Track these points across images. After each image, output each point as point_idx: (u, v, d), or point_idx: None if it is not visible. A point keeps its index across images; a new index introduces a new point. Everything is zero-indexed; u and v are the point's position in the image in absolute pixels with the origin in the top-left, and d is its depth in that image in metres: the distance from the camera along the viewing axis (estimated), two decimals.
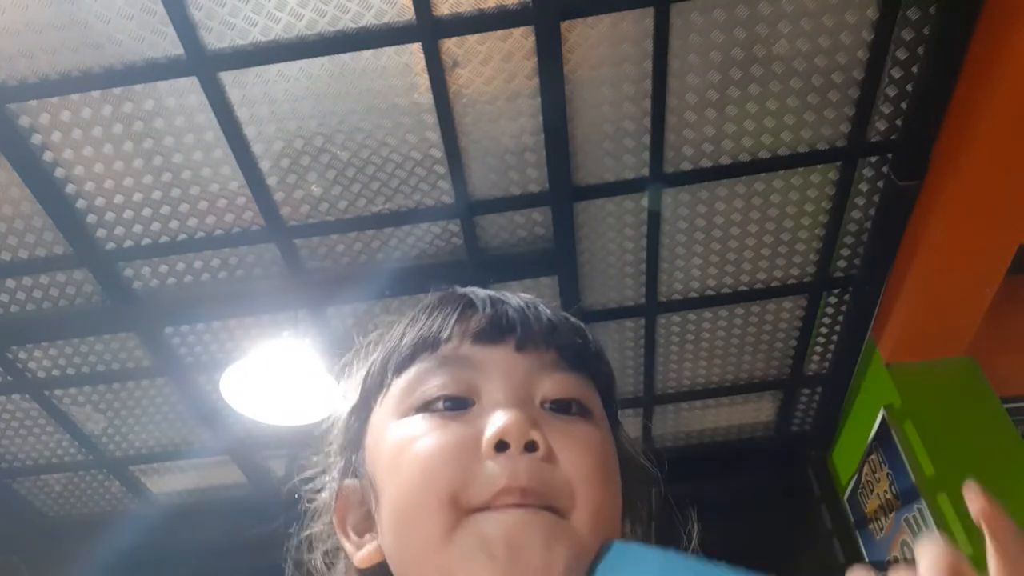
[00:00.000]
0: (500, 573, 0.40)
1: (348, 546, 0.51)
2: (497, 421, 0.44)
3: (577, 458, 0.45)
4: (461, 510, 0.42)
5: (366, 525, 0.51)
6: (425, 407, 0.48)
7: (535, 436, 0.44)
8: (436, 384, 0.48)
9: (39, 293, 2.40)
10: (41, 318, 2.45)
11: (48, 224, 2.18)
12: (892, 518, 2.48)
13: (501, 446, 0.44)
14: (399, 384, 0.50)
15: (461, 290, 0.55)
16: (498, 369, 0.49)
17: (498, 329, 0.51)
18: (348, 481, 0.53)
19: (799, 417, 3.08)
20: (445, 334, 0.51)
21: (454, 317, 0.51)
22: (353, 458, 0.53)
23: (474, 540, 0.41)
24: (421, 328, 0.52)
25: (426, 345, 0.51)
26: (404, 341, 0.52)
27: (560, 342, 0.51)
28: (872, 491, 2.62)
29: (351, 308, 2.54)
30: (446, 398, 0.48)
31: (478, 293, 0.54)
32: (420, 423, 0.47)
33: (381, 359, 0.53)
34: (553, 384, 0.49)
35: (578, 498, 0.44)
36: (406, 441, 0.46)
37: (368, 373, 0.54)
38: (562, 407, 0.49)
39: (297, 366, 2.36)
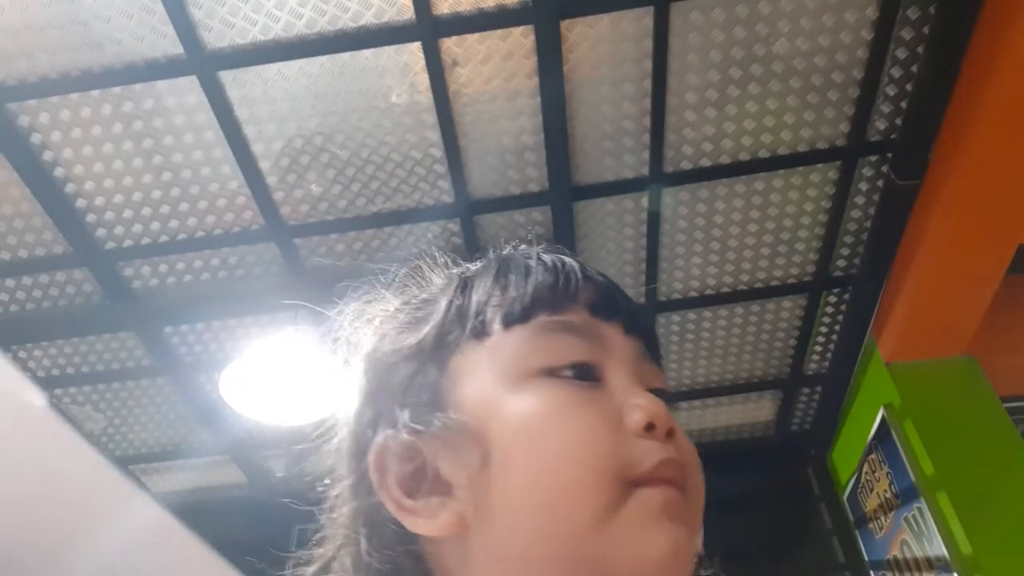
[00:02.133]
0: (661, 549, 0.39)
1: (400, 508, 0.44)
2: (645, 403, 0.44)
3: (693, 452, 0.45)
4: (625, 484, 0.41)
5: (414, 486, 0.45)
6: (551, 372, 0.44)
7: (675, 425, 0.44)
8: (567, 350, 0.45)
9: (39, 293, 2.40)
10: (41, 318, 2.45)
11: (48, 223, 2.18)
12: (892, 517, 2.48)
13: (648, 428, 0.43)
14: (512, 340, 0.46)
15: (560, 253, 0.51)
16: (618, 349, 0.47)
17: (612, 305, 0.49)
18: (392, 433, 0.46)
19: (799, 417, 3.09)
20: (566, 296, 0.47)
21: (574, 281, 0.48)
22: (412, 411, 0.46)
23: (639, 515, 0.40)
24: (536, 284, 0.48)
25: (545, 304, 0.47)
26: (515, 292, 0.48)
27: (649, 332, 0.51)
28: (872, 490, 2.63)
29: None
30: (575, 366, 0.45)
31: (577, 260, 0.51)
32: (559, 390, 0.44)
33: (477, 303, 0.48)
34: (653, 375, 0.49)
35: (697, 490, 0.44)
36: (551, 408, 0.43)
37: (449, 317, 0.49)
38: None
39: (297, 365, 2.36)
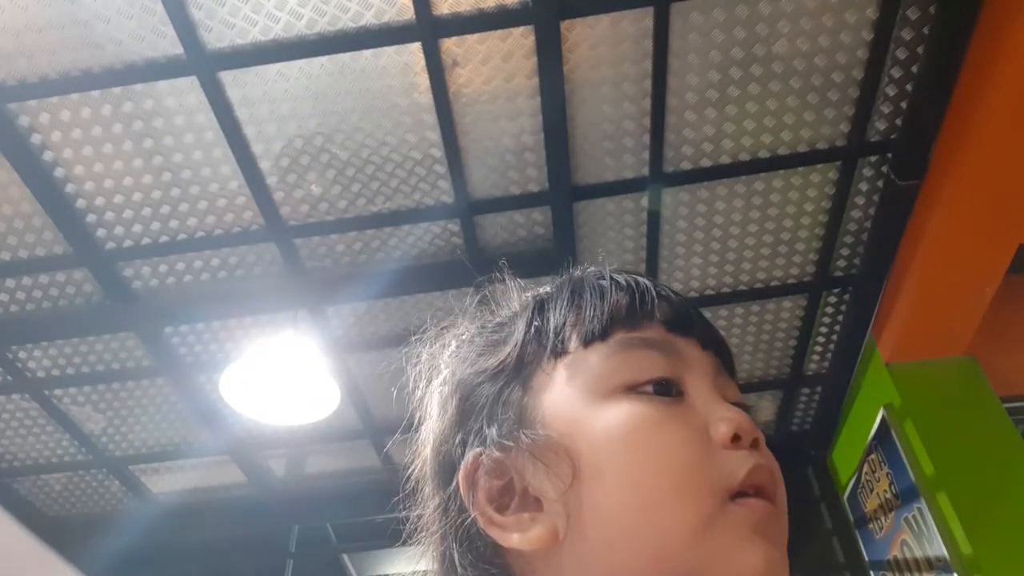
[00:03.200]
0: (756, 566, 0.40)
1: (490, 523, 0.45)
2: (730, 415, 0.45)
3: (776, 463, 0.46)
4: (722, 497, 0.41)
5: (504, 502, 0.46)
6: (633, 388, 0.45)
7: (759, 435, 0.45)
8: (647, 366, 0.46)
9: (39, 293, 2.40)
10: (41, 318, 2.45)
11: (48, 224, 2.18)
12: (892, 517, 2.48)
13: (734, 439, 0.44)
14: (592, 357, 0.47)
15: (628, 272, 0.53)
16: (697, 364, 0.48)
17: (687, 321, 0.50)
18: (481, 450, 0.47)
19: (799, 417, 3.09)
20: (643, 313, 0.48)
21: (649, 298, 0.49)
22: (499, 428, 0.47)
23: (735, 530, 0.41)
24: (611, 302, 0.49)
25: (622, 322, 0.48)
26: (591, 311, 0.49)
27: (724, 347, 0.52)
28: (872, 490, 2.63)
29: (351, 308, 2.54)
30: (657, 382, 0.46)
31: (650, 279, 0.52)
32: (644, 406, 0.44)
33: (555, 323, 0.50)
34: (731, 388, 0.50)
35: (783, 500, 0.45)
36: (640, 424, 0.44)
37: (528, 338, 0.50)
38: None
39: (297, 366, 2.36)
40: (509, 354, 0.50)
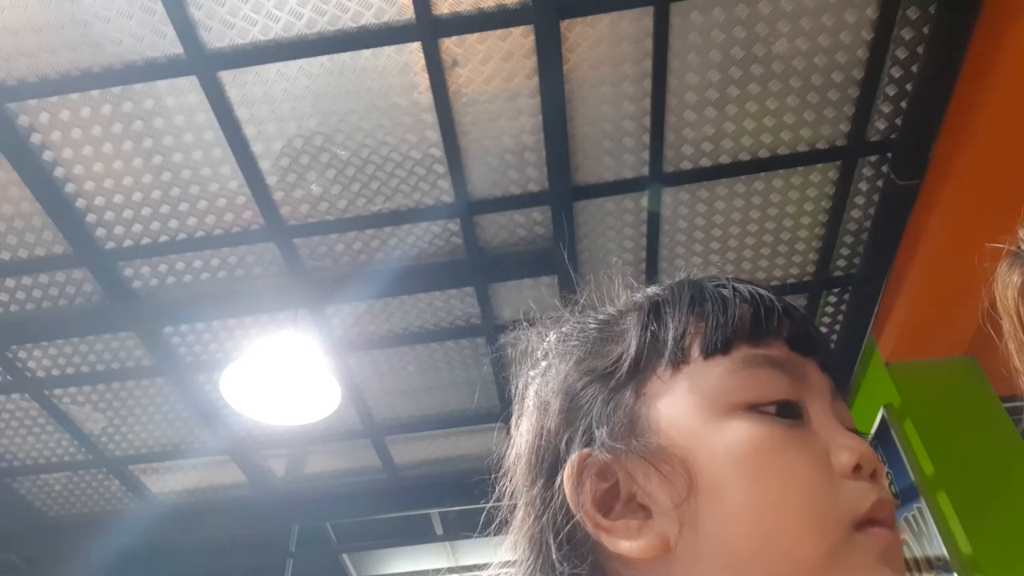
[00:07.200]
0: None
1: (597, 526, 0.44)
2: (852, 444, 0.44)
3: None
4: (847, 527, 0.41)
5: (608, 506, 0.45)
6: (755, 407, 0.44)
7: (879, 466, 0.45)
8: (771, 386, 0.45)
9: (39, 293, 2.40)
10: (41, 318, 2.45)
11: (48, 223, 2.18)
12: None
13: (855, 469, 0.44)
14: (714, 371, 0.46)
15: (748, 281, 0.51)
16: (818, 386, 0.47)
17: (809, 340, 0.48)
18: (589, 451, 0.46)
19: None
20: (767, 329, 0.47)
21: (775, 313, 0.48)
22: (610, 431, 0.46)
23: (863, 561, 0.41)
24: (734, 314, 0.47)
25: (746, 336, 0.47)
26: (714, 322, 0.47)
27: (838, 369, 0.50)
28: None
29: (351, 307, 2.54)
30: (781, 403, 0.45)
31: (767, 290, 0.51)
32: (768, 429, 0.44)
33: (674, 331, 0.48)
34: (846, 415, 0.49)
35: (898, 529, 0.45)
36: (765, 447, 0.43)
37: (644, 342, 0.48)
38: None
39: (297, 366, 2.36)
40: (622, 356, 0.49)
